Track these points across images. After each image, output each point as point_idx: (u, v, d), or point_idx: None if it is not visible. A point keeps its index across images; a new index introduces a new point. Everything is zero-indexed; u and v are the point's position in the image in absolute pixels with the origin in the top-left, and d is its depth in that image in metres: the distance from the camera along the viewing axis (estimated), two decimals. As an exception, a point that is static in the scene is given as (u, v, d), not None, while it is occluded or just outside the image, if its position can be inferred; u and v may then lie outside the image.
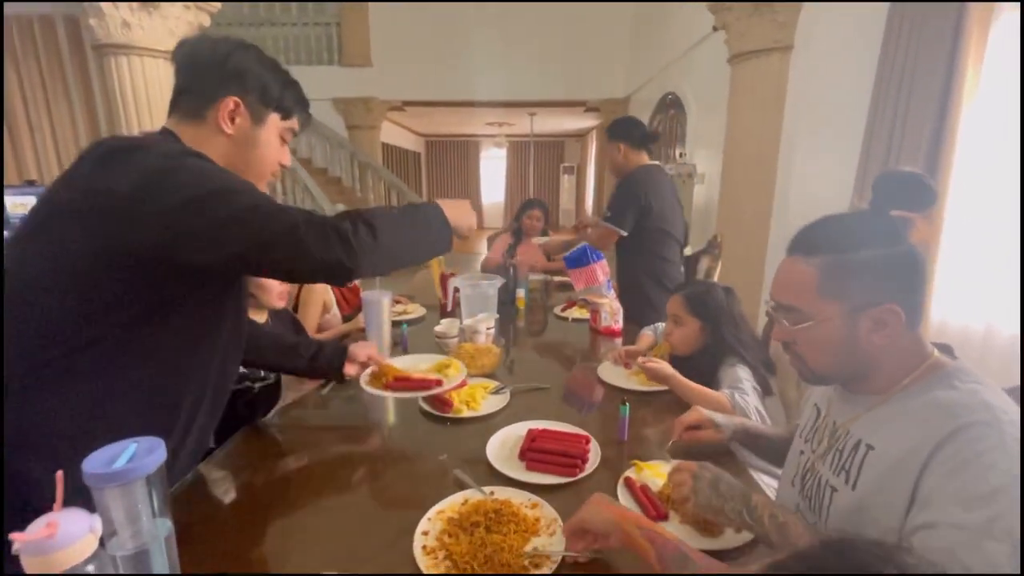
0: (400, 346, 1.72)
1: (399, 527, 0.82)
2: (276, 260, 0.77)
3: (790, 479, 0.84)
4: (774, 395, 1.39)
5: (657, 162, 2.27)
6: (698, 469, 0.76)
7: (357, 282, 2.08)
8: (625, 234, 2.15)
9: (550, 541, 0.79)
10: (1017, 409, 0.62)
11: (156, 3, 3.16)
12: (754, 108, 3.10)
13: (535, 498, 0.89)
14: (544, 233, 3.08)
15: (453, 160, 12.43)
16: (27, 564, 0.49)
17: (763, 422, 1.19)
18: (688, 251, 3.38)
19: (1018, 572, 0.52)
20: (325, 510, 0.91)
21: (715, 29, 3.35)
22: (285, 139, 0.94)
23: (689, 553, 0.64)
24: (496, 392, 1.35)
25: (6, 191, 3.69)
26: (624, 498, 0.90)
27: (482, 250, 4.08)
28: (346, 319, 2.14)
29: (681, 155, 4.94)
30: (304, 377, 1.31)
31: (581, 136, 11.39)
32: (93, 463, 0.56)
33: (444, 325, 1.72)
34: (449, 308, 2.19)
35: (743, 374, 1.31)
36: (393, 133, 9.08)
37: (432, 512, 0.85)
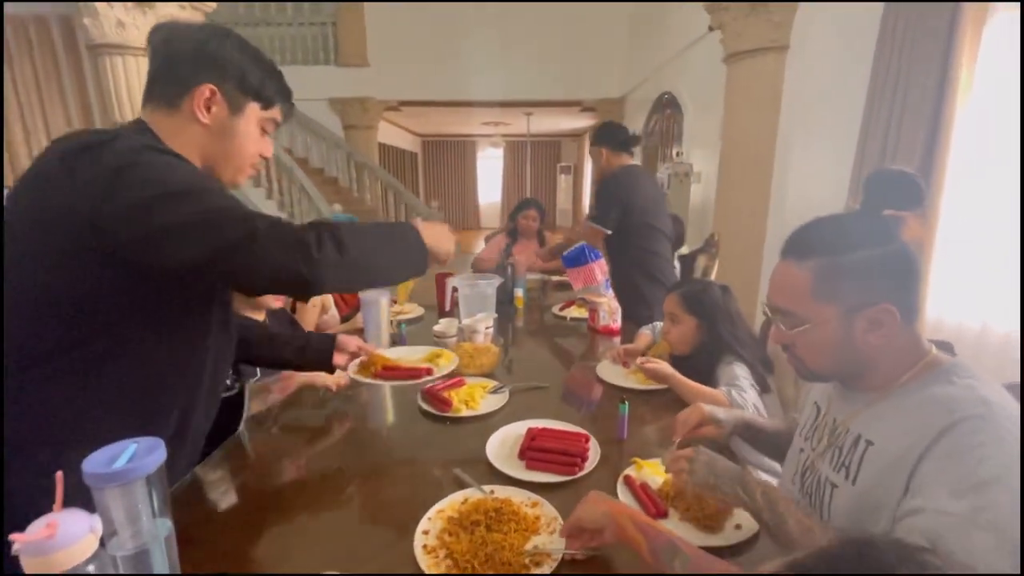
0: (399, 346, 1.72)
1: (399, 527, 0.82)
2: (232, 268, 0.72)
3: (790, 477, 0.85)
4: (772, 392, 1.40)
5: (638, 163, 2.32)
6: (694, 453, 0.79)
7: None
8: (609, 232, 2.20)
9: (550, 539, 0.79)
10: (1015, 405, 0.63)
11: (151, 3, 3.15)
12: (750, 107, 3.11)
13: (535, 497, 0.89)
14: (540, 233, 3.08)
15: (450, 160, 12.42)
16: (27, 564, 0.49)
17: (762, 419, 1.19)
18: (685, 250, 3.39)
19: (1009, 566, 0.52)
20: (325, 510, 0.91)
21: (711, 29, 3.36)
22: (266, 130, 0.90)
23: (681, 546, 0.64)
24: (495, 391, 1.35)
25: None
26: (624, 496, 0.90)
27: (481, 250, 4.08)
28: (344, 319, 2.13)
29: (678, 154, 4.95)
30: (294, 370, 1.30)
31: (577, 136, 11.40)
32: (93, 463, 0.56)
33: (443, 324, 1.72)
34: (447, 308, 2.19)
35: (741, 372, 1.32)
36: (390, 133, 9.06)
37: (432, 511, 0.85)
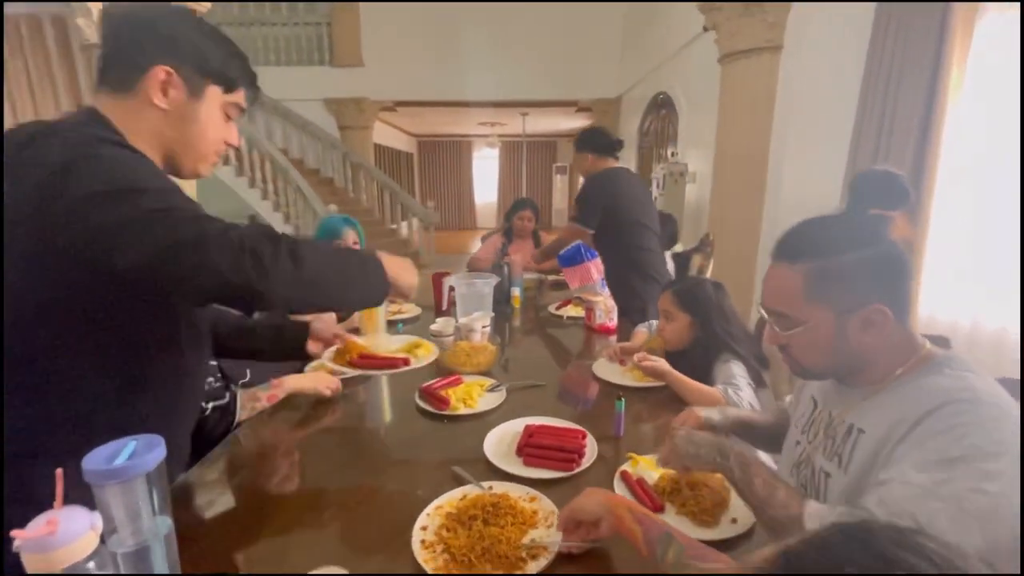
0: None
1: (398, 524, 0.82)
2: (179, 272, 0.66)
3: (787, 469, 0.86)
4: (767, 387, 1.41)
5: (623, 165, 2.35)
6: (673, 432, 0.85)
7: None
8: (591, 231, 2.24)
9: (548, 533, 0.79)
10: (1007, 397, 0.64)
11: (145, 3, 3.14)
12: (745, 107, 3.13)
13: (534, 492, 0.89)
14: (535, 233, 3.09)
15: (446, 160, 12.41)
16: (28, 561, 0.49)
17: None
18: (679, 248, 3.41)
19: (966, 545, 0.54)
20: (323, 508, 0.91)
21: (706, 29, 3.38)
22: (230, 115, 0.84)
23: (677, 537, 0.65)
24: (492, 390, 1.36)
25: None
26: (621, 491, 0.91)
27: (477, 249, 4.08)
28: (341, 319, 2.13)
29: (673, 154, 4.97)
30: (268, 361, 1.27)
31: (573, 136, 11.39)
32: (93, 460, 0.56)
33: (440, 324, 1.72)
34: (444, 307, 2.19)
35: (737, 370, 1.33)
36: (385, 133, 9.05)
37: (431, 508, 0.86)
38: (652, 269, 2.22)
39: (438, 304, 2.23)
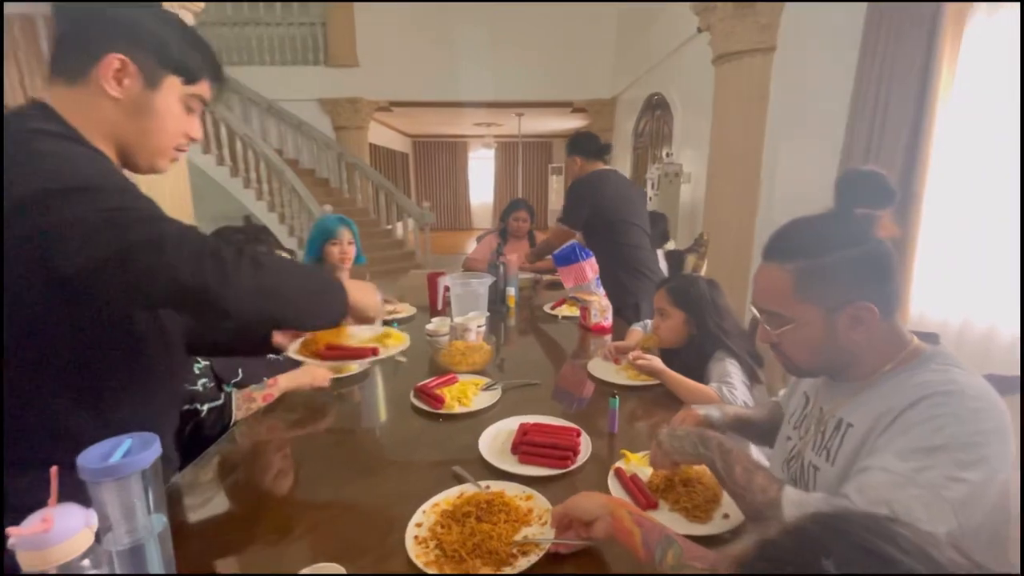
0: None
1: (393, 521, 0.83)
2: (134, 275, 0.62)
3: (779, 464, 0.87)
4: (762, 384, 1.42)
5: (612, 167, 2.39)
6: (659, 432, 0.87)
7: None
8: (577, 232, 2.27)
9: (541, 531, 0.80)
10: (992, 392, 0.65)
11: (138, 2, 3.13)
12: (738, 108, 3.14)
13: (529, 490, 0.90)
14: (530, 233, 3.10)
15: (441, 160, 12.40)
16: (22, 559, 0.49)
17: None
18: (671, 246, 3.43)
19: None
20: (319, 507, 0.91)
21: (700, 30, 3.39)
22: (192, 107, 0.80)
23: (676, 539, 0.66)
24: (487, 388, 1.36)
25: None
26: (615, 488, 0.92)
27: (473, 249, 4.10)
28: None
29: (668, 155, 4.99)
30: (227, 355, 1.25)
31: (568, 137, 11.43)
32: (88, 457, 0.56)
33: (435, 323, 1.72)
34: (440, 307, 2.20)
35: (732, 368, 1.34)
36: (380, 134, 9.04)
37: (427, 505, 0.86)
38: (643, 266, 2.24)
39: (433, 304, 2.23)
